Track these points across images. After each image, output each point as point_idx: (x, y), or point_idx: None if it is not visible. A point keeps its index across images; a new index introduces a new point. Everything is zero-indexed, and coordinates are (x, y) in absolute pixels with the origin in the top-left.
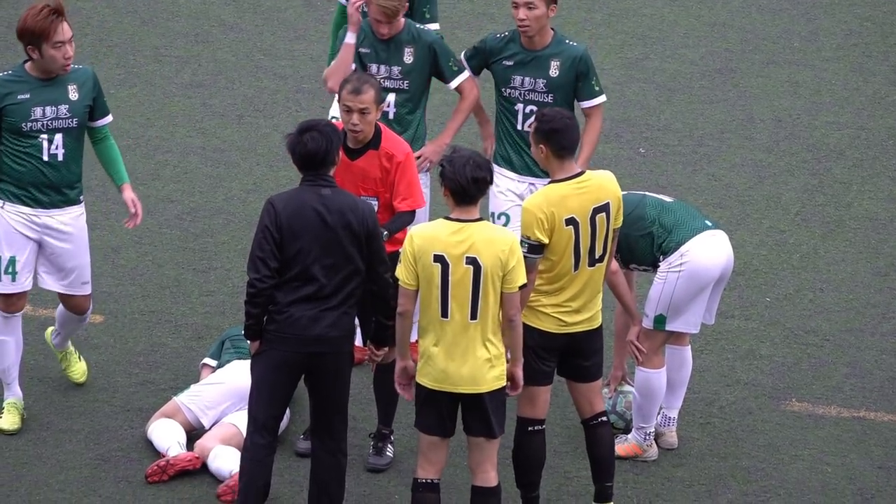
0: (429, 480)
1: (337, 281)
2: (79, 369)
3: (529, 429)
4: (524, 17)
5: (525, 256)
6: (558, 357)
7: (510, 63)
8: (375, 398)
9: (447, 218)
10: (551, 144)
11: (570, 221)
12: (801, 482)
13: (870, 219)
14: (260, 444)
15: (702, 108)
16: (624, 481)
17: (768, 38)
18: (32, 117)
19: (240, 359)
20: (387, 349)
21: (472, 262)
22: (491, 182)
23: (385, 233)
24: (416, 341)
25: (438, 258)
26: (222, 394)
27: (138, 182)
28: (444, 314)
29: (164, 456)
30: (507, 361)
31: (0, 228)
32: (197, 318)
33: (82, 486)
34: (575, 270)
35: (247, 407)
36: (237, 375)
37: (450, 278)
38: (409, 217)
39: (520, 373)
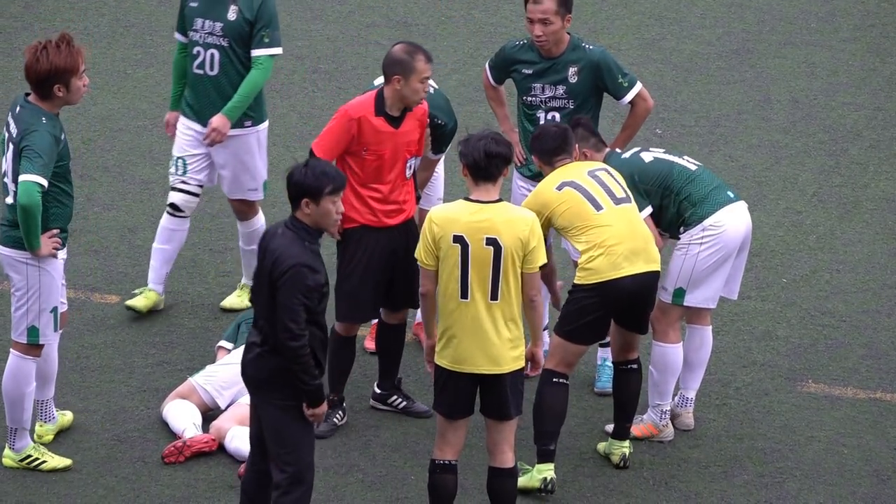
0: (446, 462)
1: (266, 320)
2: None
3: (554, 379)
4: (540, 33)
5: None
6: (615, 310)
7: (529, 71)
8: (381, 357)
9: (467, 199)
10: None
11: (567, 184)
12: (817, 463)
13: (886, 200)
14: (250, 473)
15: (718, 89)
16: (640, 462)
17: (785, 18)
18: (70, 154)
19: None
20: (318, 409)
21: (493, 242)
22: (509, 160)
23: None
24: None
25: (458, 239)
26: (238, 374)
27: (155, 162)
28: (464, 295)
29: (180, 437)
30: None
31: (57, 280)
32: (213, 299)
33: (99, 466)
34: (599, 211)
35: None
36: None
37: (470, 259)
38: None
39: (540, 353)
